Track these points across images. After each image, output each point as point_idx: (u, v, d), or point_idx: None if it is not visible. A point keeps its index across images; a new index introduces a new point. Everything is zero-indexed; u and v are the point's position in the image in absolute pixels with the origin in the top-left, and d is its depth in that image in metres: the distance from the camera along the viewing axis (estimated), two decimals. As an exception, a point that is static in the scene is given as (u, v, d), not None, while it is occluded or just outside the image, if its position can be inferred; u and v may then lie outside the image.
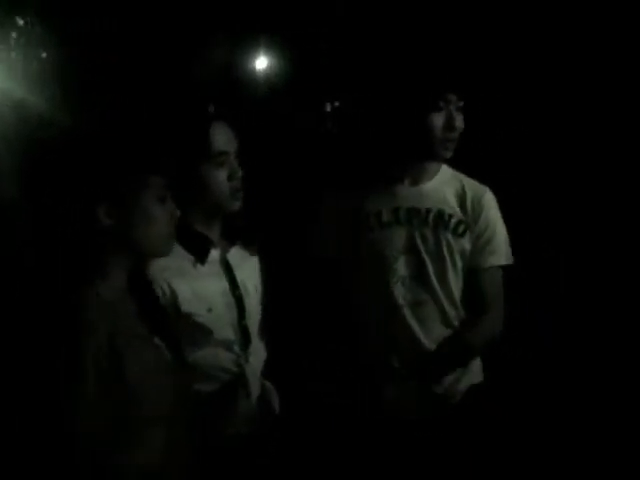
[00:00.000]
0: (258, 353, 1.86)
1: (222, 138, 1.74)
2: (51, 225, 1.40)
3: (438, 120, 1.76)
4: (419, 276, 1.85)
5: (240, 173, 1.74)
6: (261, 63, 11.49)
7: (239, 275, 1.81)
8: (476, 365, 2.07)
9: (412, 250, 1.83)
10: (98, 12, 5.53)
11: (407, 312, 1.85)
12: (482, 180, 1.92)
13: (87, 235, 1.39)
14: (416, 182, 1.87)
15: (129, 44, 5.61)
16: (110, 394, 1.26)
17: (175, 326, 1.65)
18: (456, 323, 1.95)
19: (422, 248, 1.84)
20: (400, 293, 1.86)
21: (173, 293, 1.68)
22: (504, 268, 1.98)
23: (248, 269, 1.86)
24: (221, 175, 1.73)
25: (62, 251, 1.39)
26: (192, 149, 1.70)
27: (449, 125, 1.77)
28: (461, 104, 1.80)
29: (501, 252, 1.95)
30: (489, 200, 1.94)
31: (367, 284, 1.89)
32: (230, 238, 1.83)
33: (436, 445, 2.01)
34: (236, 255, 1.83)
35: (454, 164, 1.90)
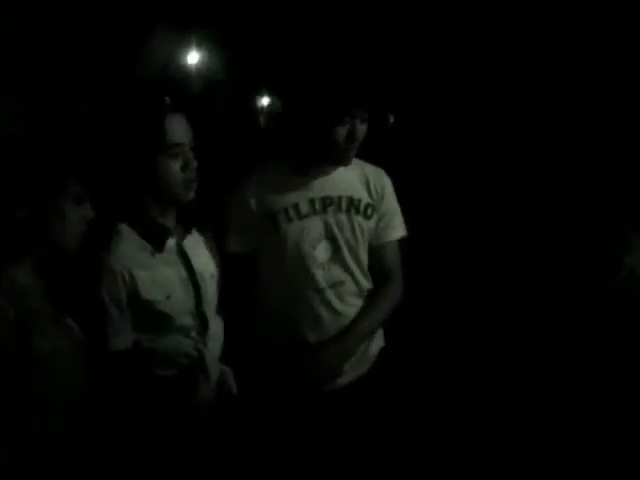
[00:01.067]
0: (215, 338, 1.88)
1: (178, 130, 1.74)
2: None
3: (342, 132, 1.86)
4: (337, 259, 1.95)
5: (194, 164, 1.75)
6: (193, 58, 11.43)
7: (195, 262, 1.82)
8: (380, 330, 2.22)
9: (329, 236, 1.93)
10: (30, 10, 5.43)
11: (329, 293, 1.94)
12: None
13: (4, 224, 1.46)
14: (325, 173, 1.95)
15: (62, 40, 5.53)
16: (22, 375, 1.32)
17: (134, 313, 1.70)
18: (365, 294, 2.02)
19: (338, 234, 1.94)
20: (321, 277, 1.93)
21: (133, 280, 1.69)
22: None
23: (204, 256, 1.88)
24: (175, 166, 1.73)
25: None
26: (148, 141, 1.71)
27: (351, 137, 1.88)
28: (366, 116, 1.91)
29: (400, 226, 2.06)
30: (387, 181, 2.05)
31: (289, 272, 1.93)
32: (185, 226, 1.85)
33: (366, 401, 2.07)
34: (191, 243, 1.84)
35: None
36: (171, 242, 1.76)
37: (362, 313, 2.01)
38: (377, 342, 2.08)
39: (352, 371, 2.01)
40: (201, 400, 1.81)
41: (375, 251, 2.04)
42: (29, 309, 1.38)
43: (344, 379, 1.99)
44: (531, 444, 3.03)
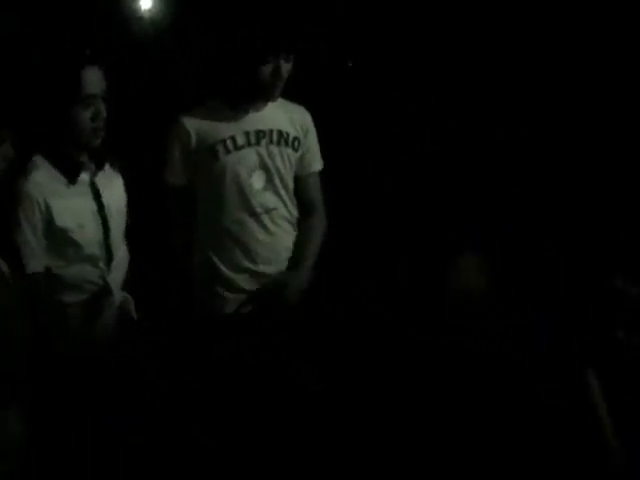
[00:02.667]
0: (119, 268, 2.05)
1: (92, 82, 1.86)
2: None
3: (266, 70, 2.03)
4: (270, 187, 2.17)
5: (103, 114, 1.89)
6: (145, 3, 11.27)
7: (105, 198, 1.98)
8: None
9: (263, 166, 2.14)
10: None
11: (264, 217, 2.17)
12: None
13: None
14: (257, 109, 2.14)
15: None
16: None
17: (47, 240, 1.85)
18: (294, 221, 2.27)
19: (271, 164, 2.15)
20: (257, 203, 2.15)
21: (48, 208, 1.84)
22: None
23: (114, 192, 2.03)
24: (86, 116, 1.86)
25: None
26: (64, 91, 1.84)
27: (276, 75, 2.05)
28: (290, 57, 2.05)
29: (320, 159, 2.31)
30: (310, 118, 2.28)
31: (227, 200, 2.14)
32: (97, 163, 1.99)
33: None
34: (103, 179, 1.99)
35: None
36: (84, 176, 1.94)
37: (303, 249, 2.30)
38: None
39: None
40: (104, 324, 2.01)
41: (300, 181, 2.31)
42: None
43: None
44: (527, 443, 3.16)
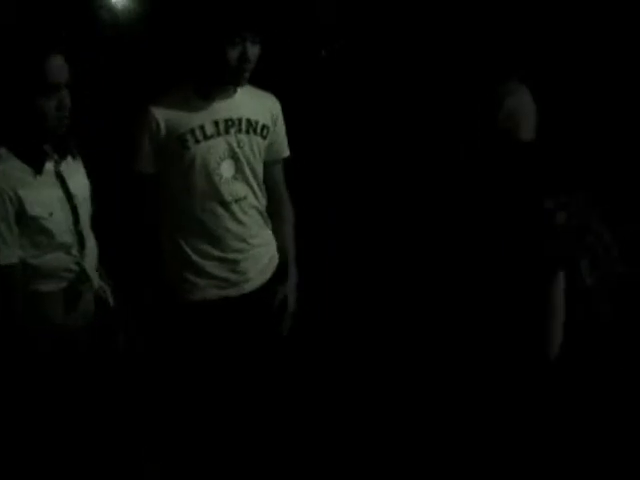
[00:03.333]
0: (91, 256, 2.04)
1: (56, 71, 1.81)
2: None
3: (233, 53, 1.99)
4: (239, 176, 2.15)
5: (67, 103, 1.84)
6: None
7: (71, 186, 1.95)
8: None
9: (232, 155, 2.12)
10: None
11: (234, 206, 2.15)
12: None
13: None
14: (226, 97, 2.10)
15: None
16: None
17: (20, 230, 1.81)
18: (264, 210, 2.27)
19: (240, 152, 2.13)
20: (226, 192, 2.13)
21: (19, 200, 1.81)
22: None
23: (77, 181, 2.00)
24: (51, 105, 1.82)
25: None
26: (27, 81, 1.79)
27: (243, 58, 2.01)
28: (257, 39, 2.01)
29: (287, 147, 2.30)
30: (279, 105, 2.26)
31: (197, 189, 2.11)
32: (60, 153, 1.96)
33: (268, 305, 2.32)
34: (67, 168, 1.96)
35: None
36: (49, 165, 1.92)
37: (283, 242, 2.34)
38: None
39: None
40: (84, 311, 2.01)
41: (267, 168, 2.29)
42: None
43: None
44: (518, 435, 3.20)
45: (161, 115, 2.07)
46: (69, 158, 1.99)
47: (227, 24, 1.99)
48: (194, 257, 2.17)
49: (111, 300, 2.12)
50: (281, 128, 2.27)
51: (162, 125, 2.06)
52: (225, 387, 2.26)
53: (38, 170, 1.88)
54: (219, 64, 2.02)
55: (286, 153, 2.32)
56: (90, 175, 2.08)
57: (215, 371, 2.23)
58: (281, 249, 2.36)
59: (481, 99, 2.02)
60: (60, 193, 1.93)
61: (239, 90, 2.13)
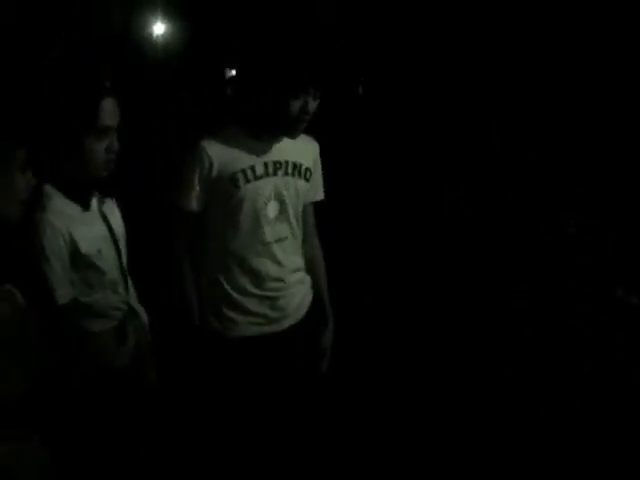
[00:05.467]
0: (132, 292, 2.06)
1: (109, 113, 1.81)
2: None
3: (296, 106, 2.04)
4: (282, 217, 2.17)
5: (116, 147, 1.84)
6: (159, 28, 11.39)
7: (112, 223, 1.96)
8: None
9: (277, 196, 2.14)
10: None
11: (275, 247, 2.17)
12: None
13: None
14: (276, 140, 2.13)
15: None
16: None
17: (73, 269, 1.80)
18: (300, 250, 2.30)
19: (285, 194, 2.16)
20: (269, 233, 2.15)
21: (72, 237, 1.79)
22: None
23: (116, 218, 2.01)
24: (100, 147, 1.81)
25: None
26: (80, 121, 1.78)
27: (304, 111, 2.06)
28: (318, 95, 2.06)
29: (322, 189, 2.35)
30: (318, 148, 2.30)
31: (243, 228, 2.13)
32: (100, 192, 1.96)
33: (305, 340, 2.32)
34: (107, 207, 1.97)
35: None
36: (94, 202, 1.94)
37: (318, 282, 2.36)
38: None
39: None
40: (130, 349, 2.01)
41: (303, 209, 2.33)
42: None
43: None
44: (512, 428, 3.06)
45: (214, 153, 2.09)
46: (106, 199, 2.00)
47: (295, 79, 2.03)
48: (234, 294, 2.18)
49: (149, 336, 2.12)
50: (319, 171, 2.31)
51: (215, 163, 2.09)
52: (264, 424, 2.27)
53: (85, 207, 1.89)
54: (279, 115, 2.07)
55: (321, 196, 2.36)
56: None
57: (254, 407, 2.23)
58: (313, 287, 2.38)
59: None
60: (105, 230, 1.95)
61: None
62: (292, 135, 2.13)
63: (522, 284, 3.88)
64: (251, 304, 2.19)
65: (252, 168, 2.11)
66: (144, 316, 2.09)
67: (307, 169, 2.23)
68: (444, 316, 3.98)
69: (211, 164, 2.09)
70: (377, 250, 4.33)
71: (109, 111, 1.83)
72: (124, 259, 2.02)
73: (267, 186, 2.13)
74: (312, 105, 2.07)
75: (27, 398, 1.40)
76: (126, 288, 2.01)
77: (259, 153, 2.13)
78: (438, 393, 3.32)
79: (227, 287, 2.18)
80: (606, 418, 2.94)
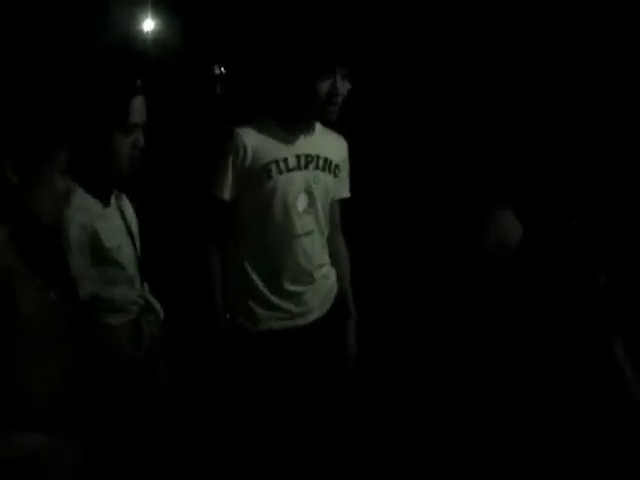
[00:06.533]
0: (146, 286, 2.09)
1: (139, 111, 1.86)
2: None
3: (324, 87, 2.05)
4: (311, 211, 2.22)
5: (142, 144, 1.89)
6: (148, 25, 11.39)
7: (128, 220, 2.02)
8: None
9: (307, 190, 2.19)
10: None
11: (304, 240, 2.22)
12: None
13: None
14: (308, 133, 2.19)
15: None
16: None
17: (95, 264, 1.84)
18: (325, 244, 2.34)
19: (315, 188, 2.21)
20: (298, 225, 2.20)
21: (95, 232, 1.84)
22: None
23: (131, 215, 2.07)
24: (127, 143, 1.86)
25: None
26: (110, 118, 1.83)
27: (333, 92, 2.06)
28: (346, 73, 2.06)
29: (348, 187, 2.41)
30: (346, 146, 2.35)
31: (273, 220, 2.17)
32: (118, 187, 2.01)
33: (330, 334, 2.39)
34: (123, 203, 2.03)
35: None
36: (112, 199, 1.96)
37: (342, 277, 2.42)
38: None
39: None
40: (146, 343, 2.04)
41: (330, 205, 2.37)
42: (9, 269, 1.39)
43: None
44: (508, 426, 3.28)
45: (249, 142, 2.12)
46: (124, 195, 2.03)
47: (319, 57, 2.05)
48: (260, 287, 2.21)
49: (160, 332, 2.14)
50: (347, 169, 2.32)
51: (250, 152, 2.11)
52: (288, 418, 2.27)
53: (106, 203, 1.92)
54: (308, 98, 2.07)
55: (347, 194, 2.37)
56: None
57: (278, 401, 2.26)
58: (338, 282, 2.41)
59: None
60: (123, 226, 1.99)
61: (317, 129, 2.20)
62: (326, 118, 2.15)
63: (522, 284, 3.89)
64: (276, 299, 2.24)
65: (285, 160, 2.15)
66: (160, 310, 2.10)
67: (336, 165, 2.25)
68: (444, 316, 4.01)
69: (245, 152, 2.11)
70: (377, 250, 4.34)
71: (139, 109, 1.87)
72: (139, 254, 2.05)
73: (298, 179, 2.18)
74: (342, 85, 2.07)
75: (62, 391, 1.41)
76: (142, 283, 2.04)
77: (291, 145, 2.17)
78: (438, 393, 3.35)
79: (255, 279, 2.21)
80: (606, 418, 2.98)
